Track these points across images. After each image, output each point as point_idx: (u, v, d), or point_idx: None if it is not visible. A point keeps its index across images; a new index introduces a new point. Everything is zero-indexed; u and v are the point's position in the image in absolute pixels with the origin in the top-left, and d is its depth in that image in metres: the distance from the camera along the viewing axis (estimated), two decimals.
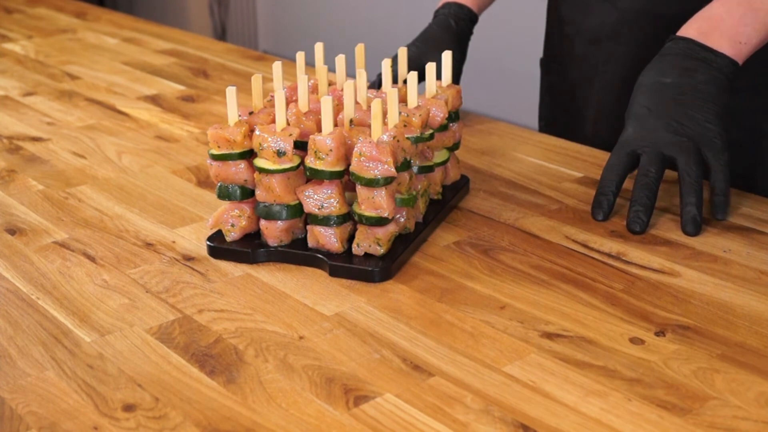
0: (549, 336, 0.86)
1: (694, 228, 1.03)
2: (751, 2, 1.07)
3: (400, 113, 1.01)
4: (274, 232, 1.00)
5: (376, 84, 1.32)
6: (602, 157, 1.26)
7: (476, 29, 1.41)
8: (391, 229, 0.98)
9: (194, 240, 1.06)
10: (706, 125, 1.05)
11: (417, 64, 1.28)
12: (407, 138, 0.98)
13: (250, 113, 1.04)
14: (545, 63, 1.50)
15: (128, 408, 0.77)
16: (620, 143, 1.08)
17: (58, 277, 0.98)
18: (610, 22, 1.32)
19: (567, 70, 1.42)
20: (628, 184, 1.17)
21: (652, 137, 1.06)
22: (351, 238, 0.99)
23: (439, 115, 1.06)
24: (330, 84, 1.12)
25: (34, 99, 1.58)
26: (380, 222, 0.96)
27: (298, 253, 1.00)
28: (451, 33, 1.36)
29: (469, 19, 1.38)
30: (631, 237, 1.04)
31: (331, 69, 1.15)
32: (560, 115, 1.47)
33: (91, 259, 1.02)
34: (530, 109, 1.67)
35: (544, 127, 1.49)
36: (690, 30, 1.09)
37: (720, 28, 1.07)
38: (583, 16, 1.36)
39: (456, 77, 1.33)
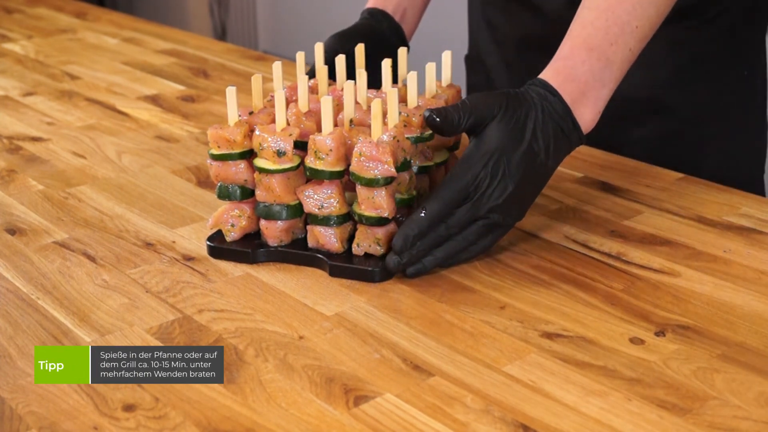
0: (549, 336, 0.86)
1: (395, 262, 0.95)
2: (607, 54, 1.01)
3: (400, 113, 1.01)
4: (274, 232, 1.00)
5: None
6: (603, 157, 1.26)
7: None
8: (391, 229, 0.98)
9: (194, 240, 1.06)
10: (524, 209, 1.00)
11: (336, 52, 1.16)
12: (407, 138, 0.98)
13: (250, 113, 1.04)
14: (470, 61, 1.49)
15: (128, 408, 0.77)
16: (471, 179, 0.95)
17: (58, 277, 0.98)
18: (537, 31, 1.32)
19: (494, 73, 1.41)
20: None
21: (492, 197, 0.96)
22: (351, 238, 0.99)
23: None
24: (330, 84, 1.12)
25: (34, 99, 1.58)
26: (380, 222, 0.96)
27: (298, 253, 1.00)
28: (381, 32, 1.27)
29: (398, 34, 1.29)
30: (631, 237, 1.04)
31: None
32: None
33: (91, 259, 1.02)
34: None
35: None
36: (565, 89, 1.00)
37: (586, 94, 1.01)
38: (509, 23, 1.35)
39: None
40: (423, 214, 0.94)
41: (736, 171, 1.30)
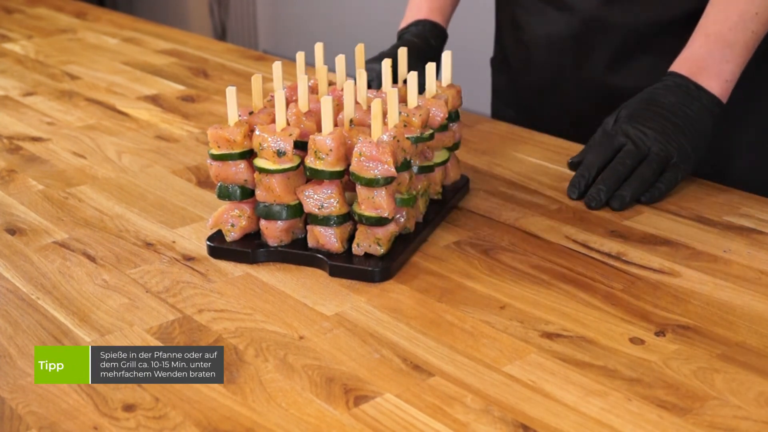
0: (549, 336, 0.86)
1: (596, 203, 1.11)
2: (726, 38, 1.14)
3: (400, 113, 1.01)
4: (274, 232, 1.00)
5: (374, 83, 1.31)
6: None
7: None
8: (391, 229, 0.98)
9: (194, 240, 1.06)
10: (686, 148, 1.12)
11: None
12: (407, 138, 0.98)
13: (250, 113, 1.04)
14: (496, 63, 1.49)
15: (128, 408, 0.77)
16: (614, 129, 1.14)
17: (58, 277, 0.98)
18: (565, 31, 1.32)
19: (523, 74, 1.42)
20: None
21: (645, 136, 1.12)
22: (351, 238, 0.99)
23: (439, 115, 1.06)
24: (330, 84, 1.12)
25: (34, 99, 1.58)
26: (380, 222, 0.96)
27: (298, 253, 1.00)
28: (431, 49, 1.35)
29: (443, 38, 1.38)
30: (631, 237, 1.04)
31: (331, 69, 1.15)
32: (512, 117, 1.46)
33: (91, 259, 1.02)
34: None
35: None
36: (682, 68, 1.16)
37: (706, 69, 1.14)
38: (540, 24, 1.36)
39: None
40: (584, 167, 1.12)
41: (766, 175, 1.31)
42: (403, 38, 1.37)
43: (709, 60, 1.14)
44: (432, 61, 1.28)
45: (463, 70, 1.55)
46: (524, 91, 1.43)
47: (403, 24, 1.39)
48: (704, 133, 1.14)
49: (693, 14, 1.21)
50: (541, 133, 1.39)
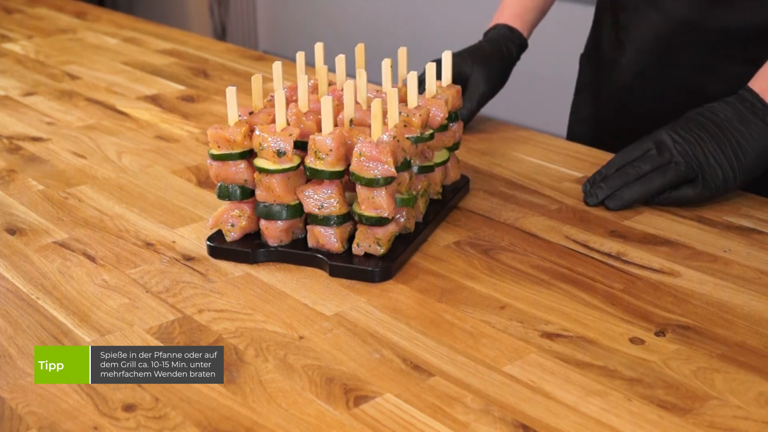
0: (549, 336, 0.86)
1: (591, 200, 1.12)
2: None
3: (400, 113, 1.01)
4: (274, 232, 1.00)
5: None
6: (603, 156, 1.26)
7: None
8: (391, 229, 0.98)
9: (194, 240, 1.06)
10: (721, 165, 1.09)
11: (456, 73, 1.27)
12: (407, 138, 0.98)
13: (250, 113, 1.04)
14: (585, 58, 1.49)
15: (128, 408, 0.77)
16: (651, 136, 1.13)
17: (58, 277, 0.98)
18: (659, 32, 1.32)
19: (611, 71, 1.41)
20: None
21: (673, 144, 1.10)
22: (351, 238, 0.99)
23: (439, 115, 1.06)
24: (330, 84, 1.12)
25: (34, 99, 1.58)
26: (380, 222, 0.96)
27: (298, 253, 1.00)
28: (500, 54, 1.35)
29: (519, 44, 1.38)
30: (631, 237, 1.04)
31: (331, 69, 1.15)
32: (593, 113, 1.46)
33: (91, 259, 1.02)
34: (525, 110, 1.66)
35: (576, 122, 1.49)
36: (755, 85, 1.13)
37: None
38: (637, 23, 1.36)
39: (483, 100, 1.32)
40: (607, 165, 1.13)
41: None
42: (482, 39, 1.38)
43: None
44: (499, 65, 1.33)
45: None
46: (609, 88, 1.42)
47: (489, 25, 1.40)
48: (759, 153, 1.10)
49: None
50: (542, 133, 1.39)
